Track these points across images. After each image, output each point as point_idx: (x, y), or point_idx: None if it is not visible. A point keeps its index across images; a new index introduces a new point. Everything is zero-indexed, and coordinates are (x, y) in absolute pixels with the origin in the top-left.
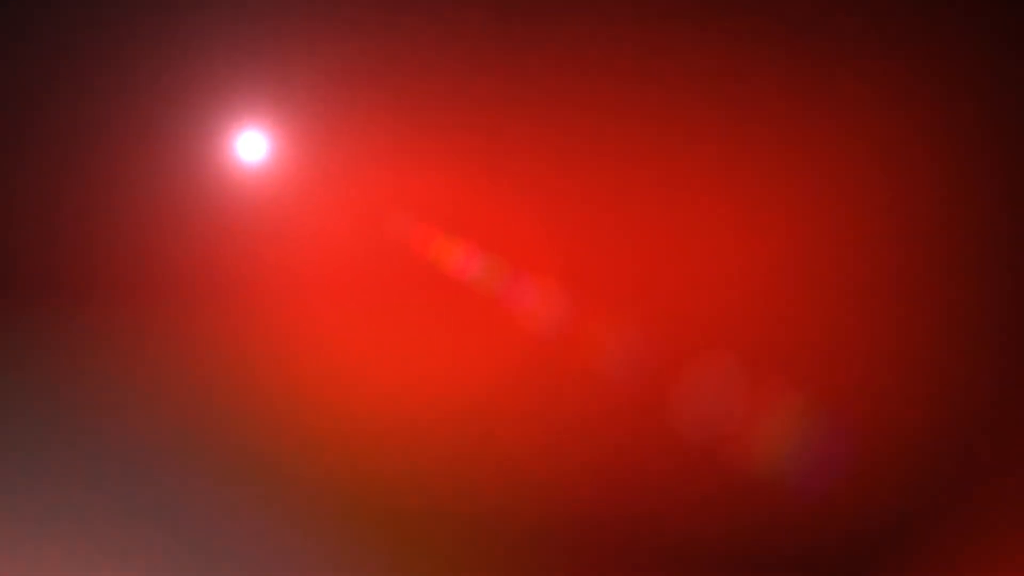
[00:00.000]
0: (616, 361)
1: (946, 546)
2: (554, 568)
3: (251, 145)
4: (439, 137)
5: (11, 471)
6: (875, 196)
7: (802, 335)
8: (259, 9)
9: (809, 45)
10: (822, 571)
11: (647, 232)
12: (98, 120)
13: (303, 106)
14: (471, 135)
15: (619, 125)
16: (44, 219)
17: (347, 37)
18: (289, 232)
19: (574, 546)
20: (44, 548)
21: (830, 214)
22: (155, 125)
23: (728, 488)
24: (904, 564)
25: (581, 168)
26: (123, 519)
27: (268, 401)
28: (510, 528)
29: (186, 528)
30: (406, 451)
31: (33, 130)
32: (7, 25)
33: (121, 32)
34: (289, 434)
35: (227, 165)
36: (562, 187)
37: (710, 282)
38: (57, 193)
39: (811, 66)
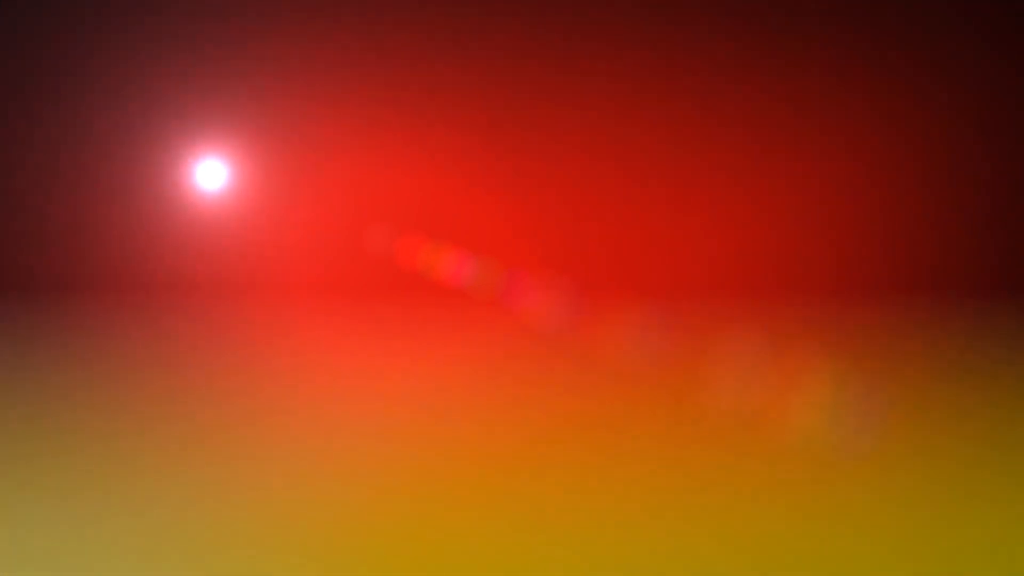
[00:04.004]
0: (617, 357)
1: None
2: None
3: (235, 156)
4: (428, 142)
5: (10, 470)
6: (869, 194)
7: (801, 330)
8: (235, 23)
9: (798, 47)
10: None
11: (643, 229)
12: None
13: (286, 117)
14: (461, 138)
15: (614, 124)
16: (19, 230)
17: (334, 39)
18: (277, 242)
19: (576, 548)
20: (44, 548)
21: (825, 208)
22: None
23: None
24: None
25: (575, 169)
26: (119, 518)
27: (260, 408)
28: (509, 530)
29: (180, 527)
30: (404, 451)
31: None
32: None
33: (89, 66)
34: (287, 437)
35: (223, 176)
36: (557, 188)
37: (706, 277)
38: (29, 209)
39: (802, 69)
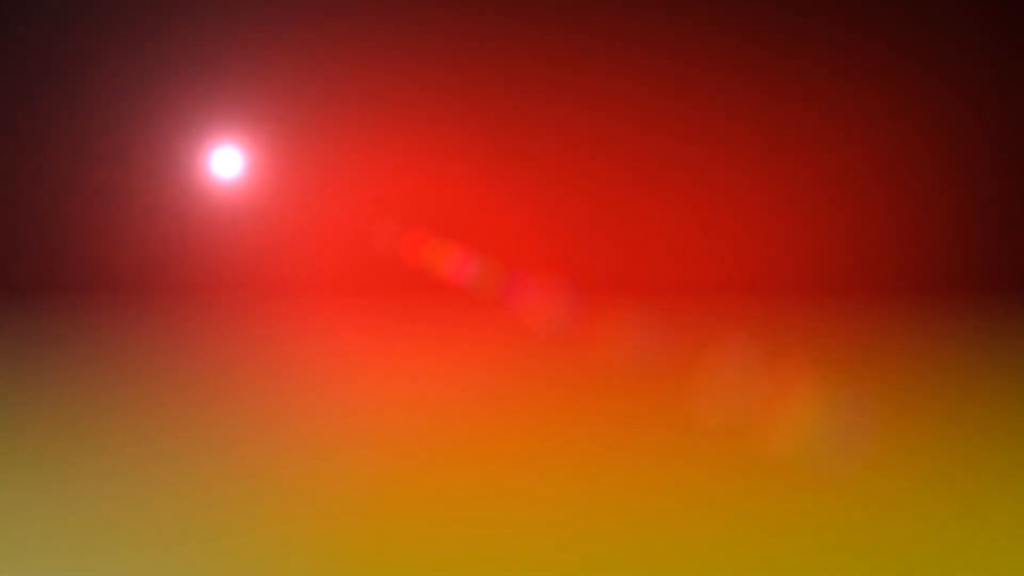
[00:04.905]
0: (617, 358)
1: None
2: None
3: (242, 153)
4: (431, 140)
5: (12, 470)
6: (868, 193)
7: (803, 330)
8: (242, 24)
9: (799, 46)
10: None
11: (645, 230)
12: (82, 134)
13: (293, 112)
14: (463, 137)
15: (618, 125)
16: (29, 225)
17: (337, 40)
18: (284, 239)
19: (575, 551)
20: (45, 547)
21: (825, 208)
22: (143, 135)
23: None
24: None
25: (577, 169)
26: (121, 518)
27: (261, 405)
28: (508, 528)
29: (186, 526)
30: (405, 451)
31: (18, 143)
32: None
33: (103, 55)
34: (288, 436)
35: (225, 173)
36: (558, 188)
37: (709, 278)
38: (40, 202)
39: (803, 69)
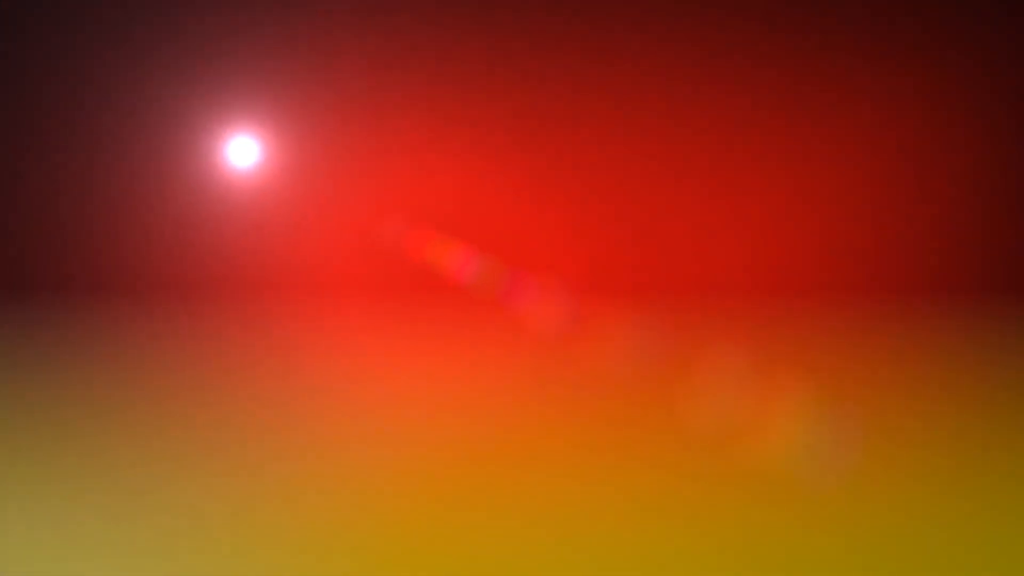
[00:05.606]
0: (620, 358)
1: None
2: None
3: (246, 150)
4: (437, 138)
5: (14, 470)
6: (870, 195)
7: (804, 332)
8: (254, 17)
9: (805, 46)
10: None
11: (649, 230)
12: (95, 127)
13: (301, 109)
14: (469, 136)
15: (619, 126)
16: (40, 222)
17: (344, 39)
18: (288, 234)
19: (576, 551)
20: (48, 547)
21: (834, 216)
22: (150, 131)
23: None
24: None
25: (580, 170)
26: (125, 518)
27: (266, 402)
28: (506, 528)
29: (188, 528)
30: (407, 451)
31: (31, 137)
32: (7, 42)
33: (118, 44)
34: (289, 434)
35: (229, 170)
36: (562, 188)
37: (712, 280)
38: (54, 196)
39: (803, 72)
